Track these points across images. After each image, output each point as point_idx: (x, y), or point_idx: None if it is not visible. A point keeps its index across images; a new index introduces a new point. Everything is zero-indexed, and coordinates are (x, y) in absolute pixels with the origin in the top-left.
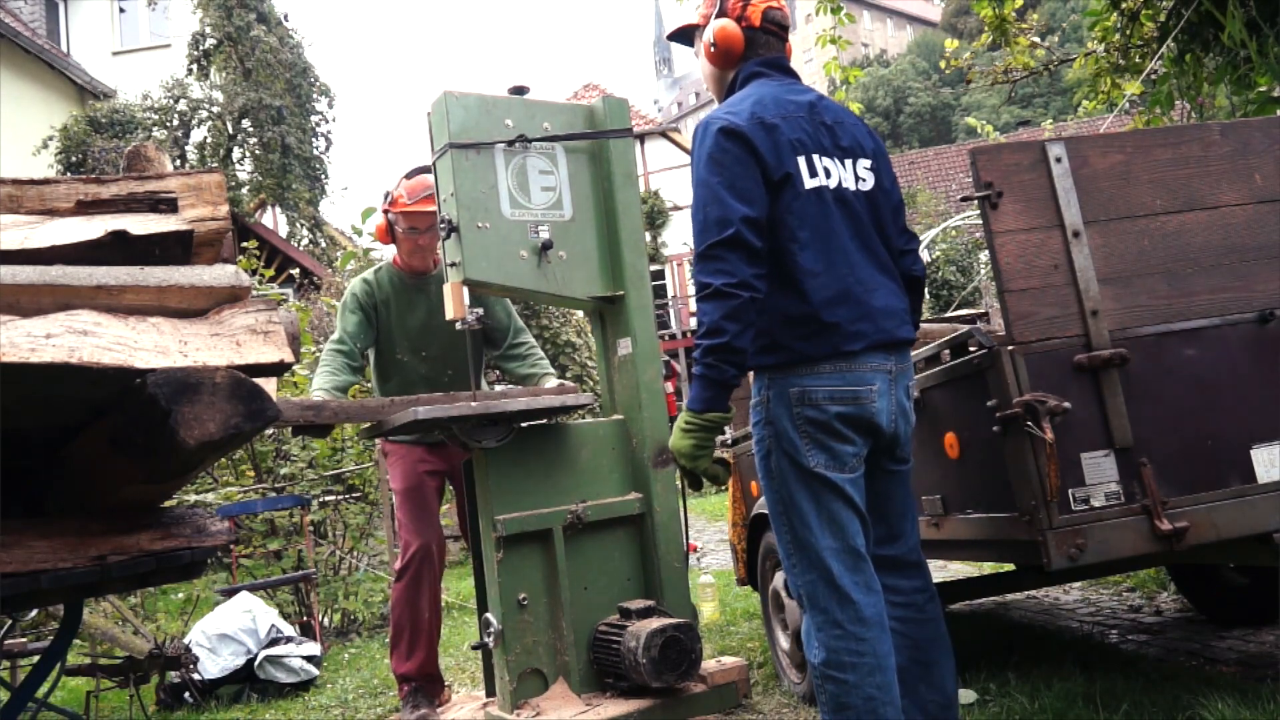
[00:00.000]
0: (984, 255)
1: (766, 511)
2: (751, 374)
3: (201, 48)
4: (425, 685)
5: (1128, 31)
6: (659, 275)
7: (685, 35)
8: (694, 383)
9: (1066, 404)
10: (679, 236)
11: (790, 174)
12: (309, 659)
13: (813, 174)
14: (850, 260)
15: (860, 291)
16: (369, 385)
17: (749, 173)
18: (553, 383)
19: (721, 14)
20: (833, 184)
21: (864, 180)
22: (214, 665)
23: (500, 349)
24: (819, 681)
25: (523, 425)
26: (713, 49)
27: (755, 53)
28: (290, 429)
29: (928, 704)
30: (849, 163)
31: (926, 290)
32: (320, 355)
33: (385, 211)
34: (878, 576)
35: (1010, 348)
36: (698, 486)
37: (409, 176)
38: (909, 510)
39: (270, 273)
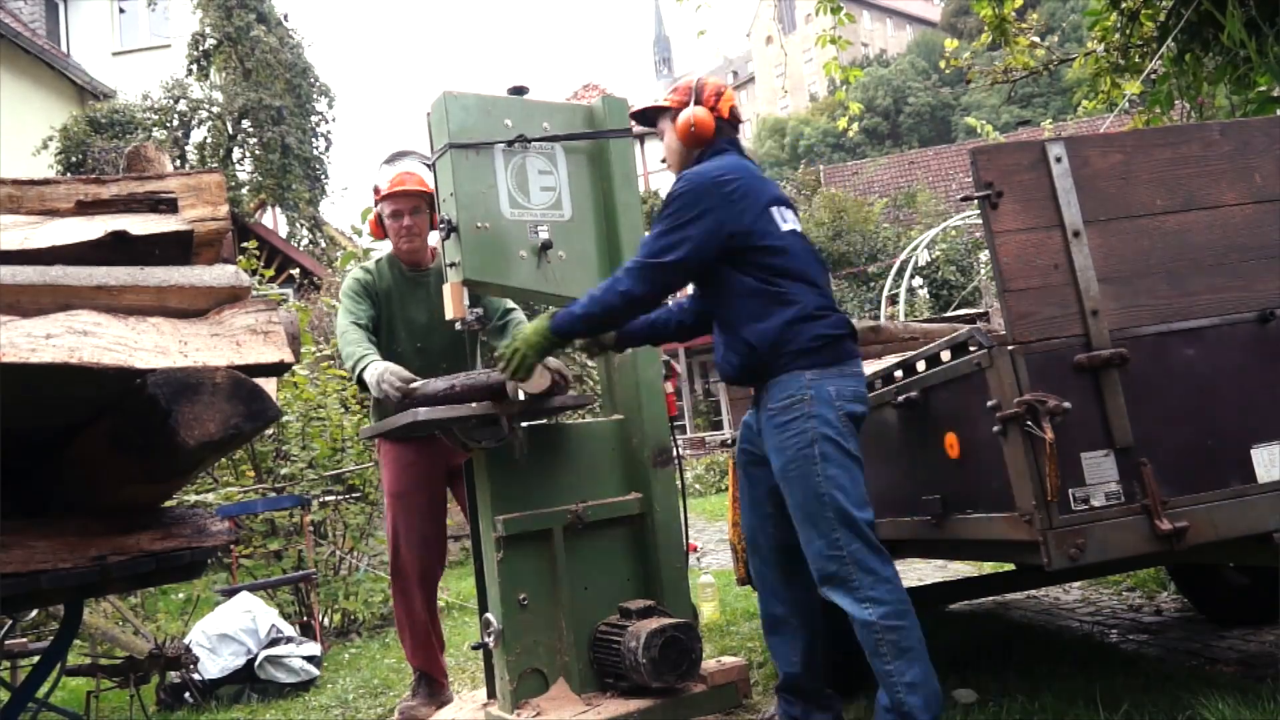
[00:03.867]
0: (984, 255)
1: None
2: (775, 378)
3: (201, 48)
4: (428, 678)
5: (1127, 31)
6: None
7: (648, 116)
8: (578, 317)
9: (1066, 404)
10: None
11: (772, 216)
12: (309, 659)
13: (784, 220)
14: (821, 288)
15: (832, 310)
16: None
17: (709, 222)
18: None
19: (698, 103)
20: (796, 228)
21: (798, 226)
22: (214, 665)
23: (489, 326)
24: (876, 635)
25: (522, 425)
26: (692, 130)
27: (720, 137)
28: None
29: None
30: (792, 214)
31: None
32: (341, 340)
33: (375, 204)
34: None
35: (1010, 348)
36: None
37: (388, 162)
38: None
39: (270, 273)
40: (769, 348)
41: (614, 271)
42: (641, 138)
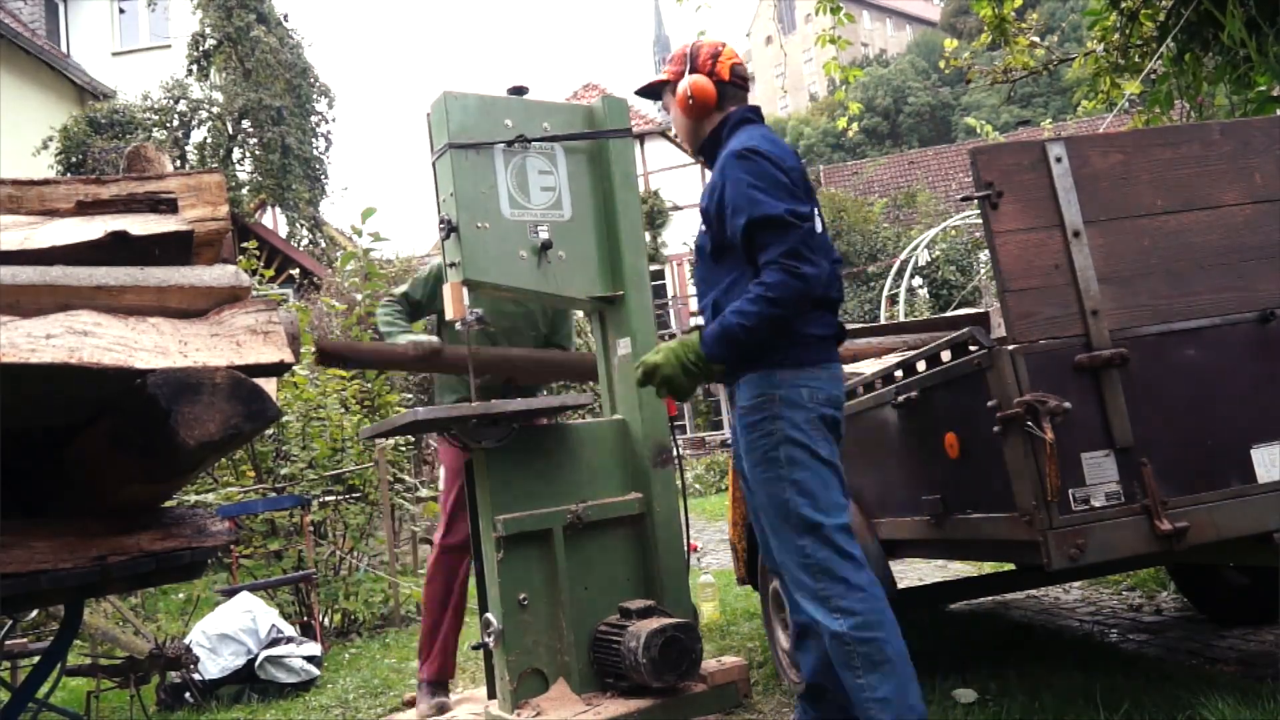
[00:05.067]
0: (984, 255)
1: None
2: (745, 375)
3: (201, 48)
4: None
5: (1127, 31)
6: (659, 275)
7: (653, 91)
8: (723, 336)
9: (1067, 404)
10: (679, 236)
11: (805, 202)
12: (309, 659)
13: (813, 210)
14: (830, 282)
15: (835, 310)
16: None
17: (789, 189)
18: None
19: (694, 69)
20: (814, 223)
21: (819, 222)
22: (214, 665)
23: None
24: (847, 647)
25: (522, 425)
26: (690, 102)
27: (726, 104)
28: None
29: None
30: (814, 207)
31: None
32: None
33: None
34: None
35: (1010, 348)
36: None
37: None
38: None
39: (270, 273)
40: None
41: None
42: (641, 138)
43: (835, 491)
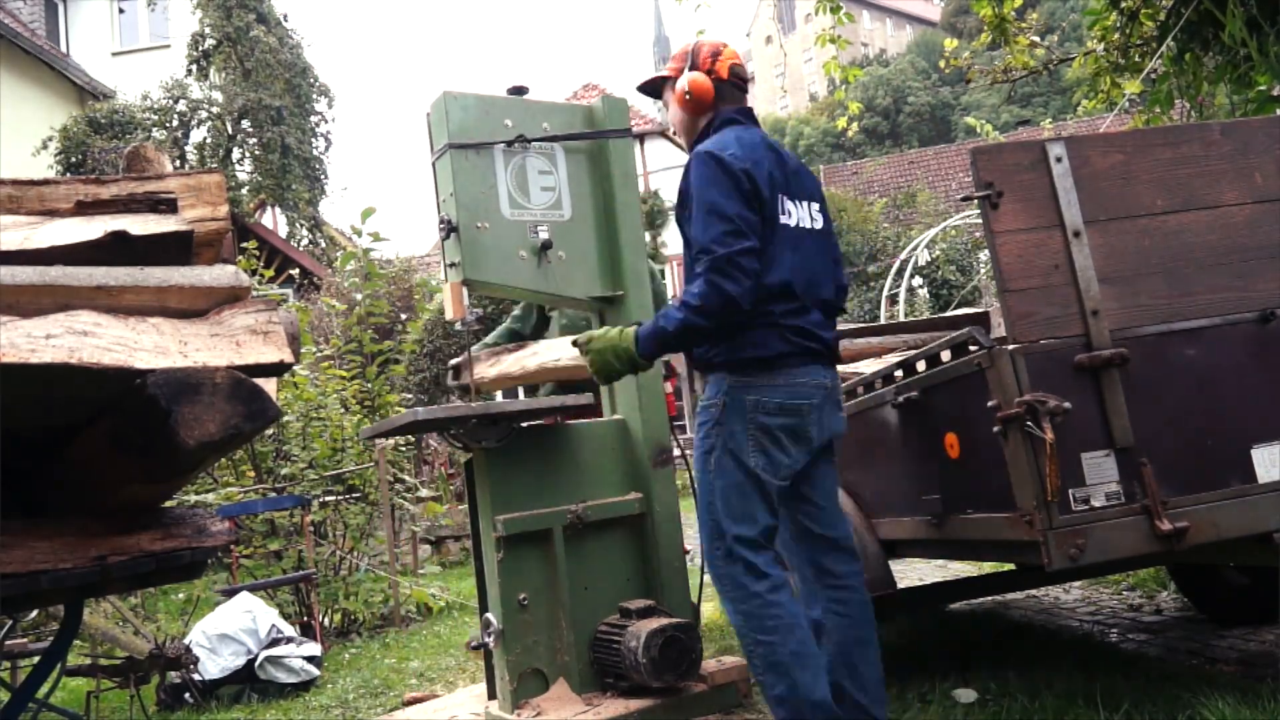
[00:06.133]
0: (984, 255)
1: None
2: (709, 375)
3: (201, 48)
4: None
5: (1127, 30)
6: (661, 275)
7: (654, 88)
8: (655, 336)
9: (1067, 404)
10: (679, 236)
11: (771, 205)
12: (309, 659)
13: (783, 211)
14: (808, 285)
15: (810, 314)
16: None
17: (740, 192)
18: None
19: (694, 67)
20: (793, 222)
21: (816, 221)
22: (214, 665)
23: None
24: (750, 647)
25: (523, 425)
26: (688, 98)
27: (722, 102)
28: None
29: (855, 708)
30: (805, 204)
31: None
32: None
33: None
34: (821, 557)
35: (1010, 348)
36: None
37: None
38: (837, 497)
39: (270, 273)
40: (709, 347)
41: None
42: (641, 137)
43: (753, 502)
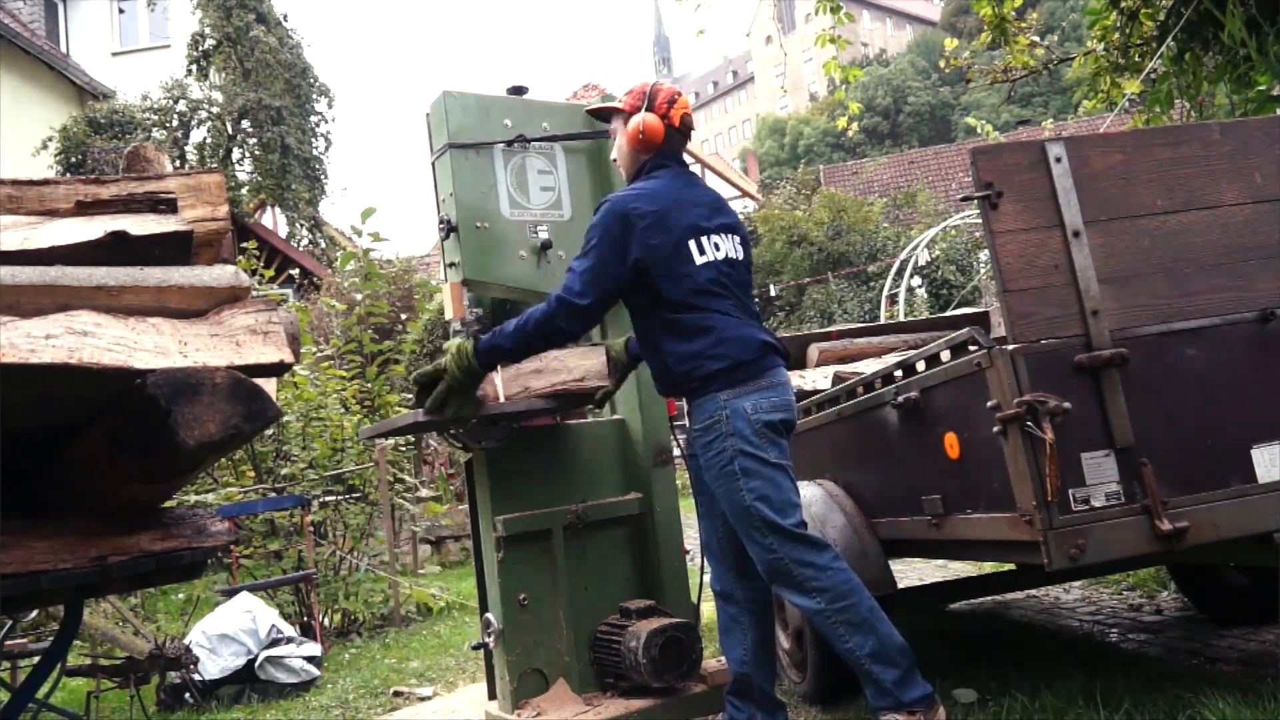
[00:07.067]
0: (984, 255)
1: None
2: (695, 400)
3: (201, 48)
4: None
5: (1127, 30)
6: None
7: (604, 114)
8: (493, 349)
9: (1066, 404)
10: None
11: (685, 248)
12: (309, 659)
13: (701, 251)
14: (740, 312)
15: (748, 332)
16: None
17: (618, 253)
18: None
19: (650, 108)
20: (720, 256)
21: (738, 252)
22: (214, 666)
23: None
24: (830, 620)
25: (521, 425)
26: (640, 137)
27: (669, 146)
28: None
29: (765, 698)
30: (728, 238)
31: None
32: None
33: None
34: (745, 559)
35: (1010, 348)
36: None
37: None
38: None
39: (270, 273)
40: (681, 373)
41: (545, 300)
42: None
43: (787, 490)
